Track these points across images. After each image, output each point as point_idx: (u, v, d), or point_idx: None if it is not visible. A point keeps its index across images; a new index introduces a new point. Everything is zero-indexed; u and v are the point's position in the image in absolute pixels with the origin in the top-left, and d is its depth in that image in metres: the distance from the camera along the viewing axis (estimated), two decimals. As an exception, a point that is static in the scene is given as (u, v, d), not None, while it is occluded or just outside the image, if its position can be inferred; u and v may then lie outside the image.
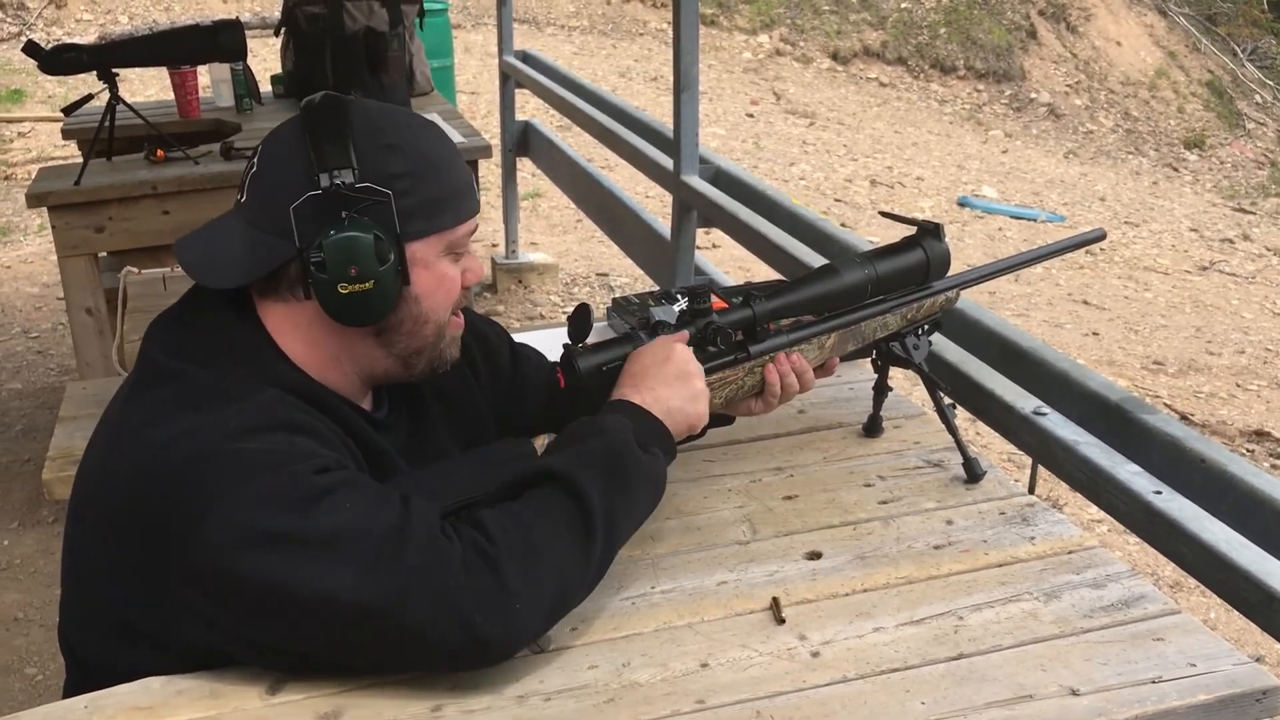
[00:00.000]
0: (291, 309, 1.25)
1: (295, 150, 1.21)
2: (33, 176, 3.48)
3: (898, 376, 1.65)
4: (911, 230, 1.56)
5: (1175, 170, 9.63)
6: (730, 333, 1.40)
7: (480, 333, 1.52)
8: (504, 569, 1.09)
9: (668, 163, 3.19)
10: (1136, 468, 1.60)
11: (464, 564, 1.09)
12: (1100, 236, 1.70)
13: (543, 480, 1.19)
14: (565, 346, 1.33)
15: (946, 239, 1.55)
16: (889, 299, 1.54)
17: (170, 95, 3.95)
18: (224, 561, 1.07)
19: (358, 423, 1.29)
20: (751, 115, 9.00)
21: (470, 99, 8.06)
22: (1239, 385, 4.92)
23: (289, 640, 1.11)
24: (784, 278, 2.46)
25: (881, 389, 1.64)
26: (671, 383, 1.33)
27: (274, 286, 1.24)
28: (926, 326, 1.58)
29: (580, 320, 1.34)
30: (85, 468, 1.23)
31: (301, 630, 1.09)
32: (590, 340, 1.37)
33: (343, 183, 1.18)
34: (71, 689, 1.27)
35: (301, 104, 1.26)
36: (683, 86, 2.91)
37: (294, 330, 1.26)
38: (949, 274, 1.58)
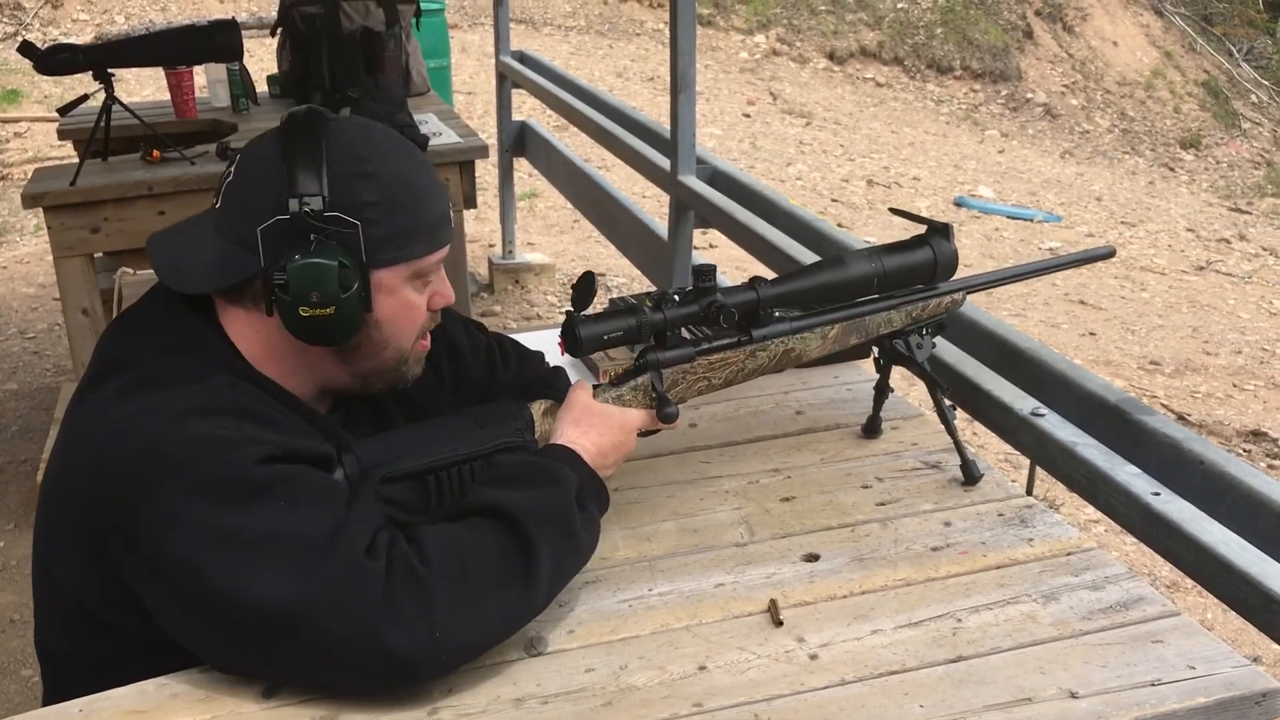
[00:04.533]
0: (254, 317, 1.25)
1: (270, 169, 1.20)
2: (29, 176, 3.48)
3: (895, 377, 1.65)
4: (921, 229, 1.55)
5: (1171, 170, 9.63)
6: (732, 311, 1.40)
7: (452, 343, 1.50)
8: (433, 594, 1.08)
9: (665, 163, 3.18)
10: (1135, 469, 1.59)
11: (387, 582, 1.07)
12: (1110, 254, 1.71)
13: (495, 516, 1.16)
14: (568, 313, 1.32)
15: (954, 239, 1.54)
16: (896, 295, 1.54)
17: (166, 95, 3.94)
18: (155, 543, 1.08)
19: (317, 422, 1.28)
20: (748, 115, 8.99)
21: (467, 99, 8.05)
22: (1235, 385, 4.93)
23: (196, 635, 1.11)
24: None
25: (883, 389, 1.64)
26: (613, 433, 1.35)
27: (238, 295, 1.25)
28: (931, 327, 1.58)
29: (584, 288, 1.32)
30: (49, 469, 1.23)
31: (206, 624, 1.09)
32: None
33: (310, 210, 1.17)
34: (48, 691, 1.27)
35: (283, 118, 1.25)
36: (680, 87, 2.90)
37: (254, 336, 1.26)
38: (955, 276, 1.58)
